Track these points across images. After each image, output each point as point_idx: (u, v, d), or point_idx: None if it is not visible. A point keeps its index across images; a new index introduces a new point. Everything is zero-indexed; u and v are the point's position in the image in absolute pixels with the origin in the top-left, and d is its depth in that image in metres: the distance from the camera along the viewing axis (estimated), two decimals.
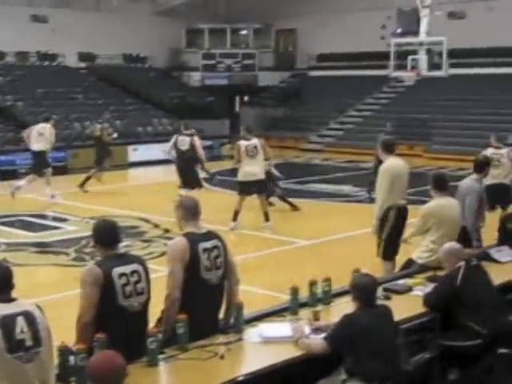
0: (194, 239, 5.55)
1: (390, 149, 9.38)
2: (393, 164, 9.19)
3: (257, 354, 5.39)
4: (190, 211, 5.74)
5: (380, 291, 6.80)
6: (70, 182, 21.52)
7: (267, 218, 14.70)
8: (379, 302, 6.25)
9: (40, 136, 18.33)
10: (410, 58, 26.13)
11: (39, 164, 18.40)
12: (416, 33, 26.63)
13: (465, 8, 32.83)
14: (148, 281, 5.25)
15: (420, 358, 5.63)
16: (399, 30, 31.57)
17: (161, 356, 5.10)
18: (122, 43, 34.41)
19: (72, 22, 32.31)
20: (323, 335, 5.44)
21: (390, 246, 9.28)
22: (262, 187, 14.74)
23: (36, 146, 18.31)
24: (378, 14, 33.71)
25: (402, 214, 9.28)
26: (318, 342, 5.39)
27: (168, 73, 37.62)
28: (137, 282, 5.14)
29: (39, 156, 18.36)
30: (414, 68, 26.07)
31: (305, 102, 35.36)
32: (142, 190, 21.32)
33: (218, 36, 38.59)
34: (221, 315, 5.85)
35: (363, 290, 5.49)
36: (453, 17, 32.97)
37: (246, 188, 14.54)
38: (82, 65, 34.35)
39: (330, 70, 36.44)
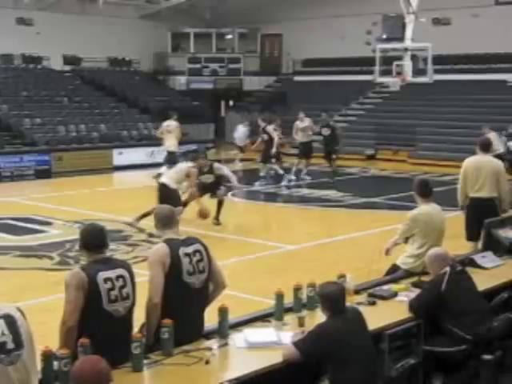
0: (174, 245, 5.56)
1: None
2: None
3: (242, 360, 5.37)
4: (162, 221, 5.77)
5: (365, 296, 6.83)
6: (53, 185, 21.46)
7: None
8: (362, 307, 6.27)
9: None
10: (395, 63, 26.15)
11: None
12: (401, 39, 26.65)
13: (450, 14, 33.00)
14: (133, 286, 5.23)
15: (404, 364, 5.63)
16: (384, 36, 31.55)
17: (145, 361, 5.08)
18: (107, 47, 34.37)
19: (57, 25, 32.30)
20: (293, 341, 5.42)
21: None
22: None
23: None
24: (363, 19, 33.79)
25: None
26: (287, 347, 5.36)
27: (153, 77, 37.62)
28: (122, 286, 5.12)
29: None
30: (399, 74, 26.08)
31: (290, 106, 35.33)
32: (126, 193, 21.28)
33: (204, 40, 38.59)
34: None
35: (331, 299, 5.46)
36: (438, 23, 33.12)
37: None
38: (67, 68, 34.28)
39: (316, 74, 36.56)
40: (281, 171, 22.44)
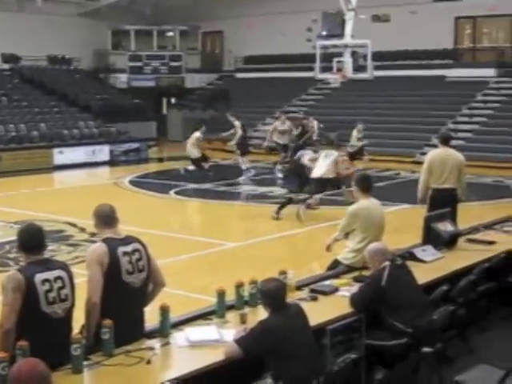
0: (112, 244, 5.49)
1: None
2: None
3: (184, 359, 5.35)
4: (102, 220, 5.69)
5: (306, 292, 6.86)
6: None
7: None
8: (304, 303, 6.30)
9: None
10: (335, 60, 26.33)
11: None
12: (341, 35, 26.85)
13: (389, 11, 33.34)
14: (72, 287, 5.17)
15: (346, 358, 5.65)
16: (325, 33, 31.83)
17: (85, 362, 5.03)
18: (46, 44, 33.88)
19: None
20: (234, 338, 5.42)
21: None
22: None
23: None
24: (303, 16, 33.95)
25: None
26: (229, 345, 5.36)
27: (94, 75, 37.21)
28: (61, 288, 5.05)
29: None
30: (339, 70, 26.28)
31: (232, 103, 35.35)
32: (67, 193, 21.07)
33: (145, 38, 38.34)
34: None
35: (272, 295, 5.47)
36: (377, 20, 33.44)
37: None
38: (6, 66, 33.69)
39: (257, 72, 36.61)
40: (244, 166, 22.68)
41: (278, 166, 22.69)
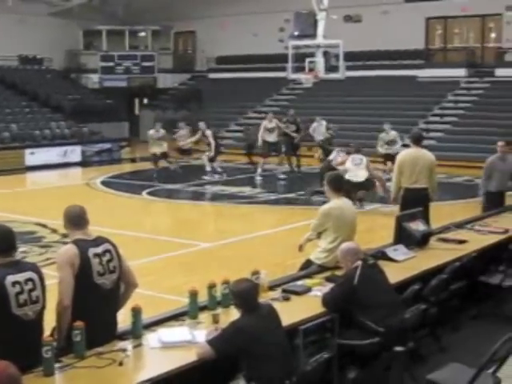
0: (83, 245, 5.44)
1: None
2: None
3: (156, 360, 5.32)
4: (72, 221, 5.63)
5: (279, 292, 6.86)
6: None
7: None
8: (277, 303, 6.31)
9: None
10: (307, 60, 26.37)
11: None
12: (313, 35, 26.91)
13: (361, 12, 33.50)
14: (43, 289, 5.12)
15: (319, 358, 5.67)
16: (297, 33, 31.87)
17: (57, 365, 4.98)
18: (17, 44, 33.61)
19: None
20: (206, 339, 5.41)
21: None
22: None
23: None
24: (276, 16, 34.04)
25: None
26: (201, 345, 5.34)
27: (66, 75, 37.01)
28: (31, 290, 5.00)
29: None
30: (311, 70, 26.30)
31: (205, 104, 35.34)
32: (39, 194, 20.93)
33: (117, 38, 38.18)
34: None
35: (244, 296, 5.47)
36: (349, 20, 33.57)
37: None
38: None
39: (230, 72, 36.63)
40: (208, 168, 22.51)
41: (259, 170, 22.66)
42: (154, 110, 36.19)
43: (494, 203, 12.38)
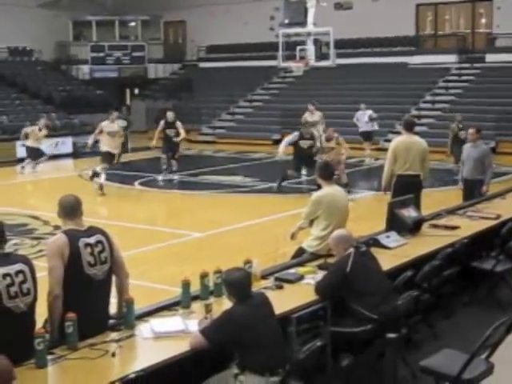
0: (73, 235, 5.41)
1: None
2: None
3: (149, 350, 5.31)
4: (65, 211, 5.61)
5: (271, 281, 6.86)
6: None
7: None
8: (269, 291, 6.30)
9: None
10: (298, 48, 26.33)
11: None
12: (303, 23, 26.83)
13: None
14: (34, 281, 5.10)
15: (312, 346, 5.66)
16: (287, 21, 31.74)
17: (49, 357, 4.97)
18: (6, 36, 33.43)
19: None
20: (199, 328, 5.40)
21: None
22: None
23: None
24: (266, 4, 33.94)
25: None
26: (194, 335, 5.34)
27: (56, 66, 36.89)
28: (22, 282, 4.98)
29: None
30: (302, 58, 26.27)
31: (196, 93, 35.30)
32: (31, 186, 20.89)
33: (107, 28, 38.03)
34: (113, 311, 5.78)
35: (236, 285, 5.44)
36: (339, 8, 33.45)
37: None
38: None
39: (220, 61, 36.57)
40: (164, 166, 20.79)
41: None
42: (144, 100, 36.11)
43: (469, 191, 12.50)
